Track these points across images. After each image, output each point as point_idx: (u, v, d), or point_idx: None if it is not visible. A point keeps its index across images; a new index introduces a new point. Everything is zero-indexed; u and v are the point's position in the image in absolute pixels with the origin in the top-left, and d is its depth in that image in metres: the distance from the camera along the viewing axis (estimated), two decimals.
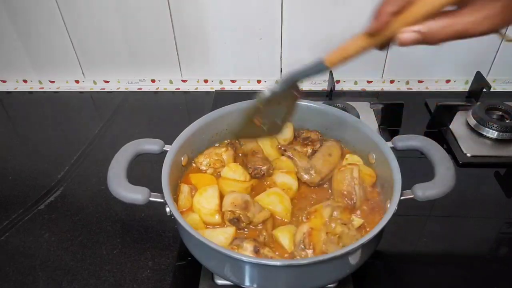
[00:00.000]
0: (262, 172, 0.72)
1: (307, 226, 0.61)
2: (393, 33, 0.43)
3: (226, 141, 0.78)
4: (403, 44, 0.42)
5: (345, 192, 0.67)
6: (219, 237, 0.62)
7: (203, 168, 0.74)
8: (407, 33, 0.41)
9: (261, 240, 0.61)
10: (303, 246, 0.59)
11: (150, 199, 0.61)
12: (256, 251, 0.58)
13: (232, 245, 0.60)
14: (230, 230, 0.63)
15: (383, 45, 0.46)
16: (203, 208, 0.66)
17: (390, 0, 0.41)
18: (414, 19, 0.41)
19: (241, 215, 0.63)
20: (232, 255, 0.53)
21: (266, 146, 0.76)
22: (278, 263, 0.54)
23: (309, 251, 0.58)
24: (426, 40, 0.41)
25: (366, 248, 0.59)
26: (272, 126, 0.65)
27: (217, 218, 0.65)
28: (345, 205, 0.65)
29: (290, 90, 0.59)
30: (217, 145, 0.77)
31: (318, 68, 0.52)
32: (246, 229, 0.64)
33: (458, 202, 0.80)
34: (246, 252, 0.58)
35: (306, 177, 0.71)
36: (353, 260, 0.58)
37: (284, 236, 0.62)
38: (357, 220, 0.63)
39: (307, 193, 0.71)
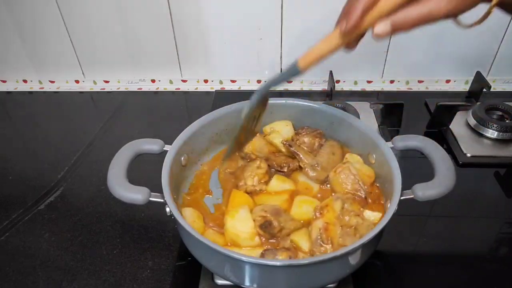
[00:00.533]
0: (295, 167, 0.72)
1: (322, 221, 0.60)
2: (365, 30, 0.47)
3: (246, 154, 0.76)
4: (379, 36, 0.46)
5: (352, 191, 0.67)
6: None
7: (255, 189, 0.70)
8: (379, 27, 0.45)
9: (290, 247, 0.60)
10: (321, 242, 0.58)
11: (150, 199, 0.61)
12: None
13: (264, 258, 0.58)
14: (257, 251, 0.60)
15: (354, 43, 0.50)
16: (241, 233, 0.61)
17: (356, 0, 0.45)
18: (381, 14, 0.44)
19: (272, 220, 0.61)
20: (232, 255, 0.53)
21: (278, 136, 0.77)
22: (278, 263, 0.54)
23: (328, 246, 0.58)
24: (397, 29, 0.45)
25: (366, 248, 0.59)
26: (250, 133, 0.69)
27: (256, 240, 0.61)
28: (353, 197, 0.66)
29: (263, 99, 0.63)
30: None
31: (292, 73, 0.54)
32: (276, 238, 0.62)
33: (458, 202, 0.80)
34: None
35: (312, 173, 0.71)
36: (353, 260, 0.58)
37: (302, 239, 0.61)
38: (372, 215, 0.64)
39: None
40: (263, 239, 0.62)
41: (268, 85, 0.59)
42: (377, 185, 0.71)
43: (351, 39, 0.48)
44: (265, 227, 0.61)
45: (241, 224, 0.62)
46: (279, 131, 0.79)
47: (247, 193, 0.70)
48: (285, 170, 0.73)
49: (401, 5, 0.44)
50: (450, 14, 0.45)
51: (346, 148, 0.78)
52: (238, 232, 0.61)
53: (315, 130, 0.78)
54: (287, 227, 0.62)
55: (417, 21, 0.45)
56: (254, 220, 0.62)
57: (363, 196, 0.67)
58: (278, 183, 0.71)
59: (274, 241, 0.62)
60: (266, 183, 0.71)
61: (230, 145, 0.67)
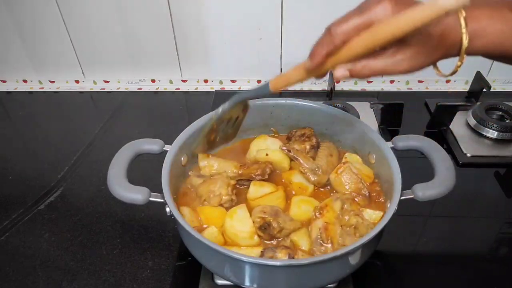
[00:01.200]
0: (270, 171, 0.71)
1: (322, 221, 0.60)
2: (327, 70, 0.51)
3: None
4: (337, 79, 0.50)
5: (355, 191, 0.67)
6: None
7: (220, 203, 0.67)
8: (339, 71, 0.49)
9: (289, 245, 0.60)
10: (321, 242, 0.59)
11: (150, 199, 0.61)
12: (291, 258, 0.57)
13: (264, 257, 0.58)
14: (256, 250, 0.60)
15: (321, 76, 0.53)
16: (241, 232, 0.61)
17: (323, 43, 0.48)
18: (342, 60, 0.48)
19: (271, 221, 0.61)
20: (232, 255, 0.53)
21: (276, 152, 0.74)
22: (278, 263, 0.54)
23: (328, 245, 0.58)
24: (354, 76, 0.49)
25: (366, 248, 0.59)
26: (225, 135, 0.72)
27: (256, 239, 0.62)
28: (353, 198, 0.66)
29: (238, 106, 0.67)
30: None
31: (263, 91, 0.59)
32: (275, 239, 0.62)
33: (458, 202, 0.80)
34: None
35: (313, 178, 0.70)
36: (353, 260, 0.58)
37: (302, 239, 0.61)
38: (373, 214, 0.64)
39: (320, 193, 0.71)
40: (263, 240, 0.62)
41: (240, 97, 0.64)
42: (377, 183, 0.71)
43: (315, 75, 0.52)
44: (264, 229, 0.61)
45: (240, 224, 0.62)
46: (266, 147, 0.75)
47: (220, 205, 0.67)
48: (257, 179, 0.70)
49: (359, 57, 0.47)
50: (407, 71, 0.48)
51: (342, 149, 0.77)
52: (237, 231, 0.62)
53: (304, 127, 0.77)
54: (286, 227, 0.62)
55: (373, 73, 0.48)
56: (253, 222, 0.62)
57: (367, 194, 0.67)
58: (256, 189, 0.69)
59: (273, 242, 0.62)
60: (234, 195, 0.68)
61: (200, 140, 0.70)
